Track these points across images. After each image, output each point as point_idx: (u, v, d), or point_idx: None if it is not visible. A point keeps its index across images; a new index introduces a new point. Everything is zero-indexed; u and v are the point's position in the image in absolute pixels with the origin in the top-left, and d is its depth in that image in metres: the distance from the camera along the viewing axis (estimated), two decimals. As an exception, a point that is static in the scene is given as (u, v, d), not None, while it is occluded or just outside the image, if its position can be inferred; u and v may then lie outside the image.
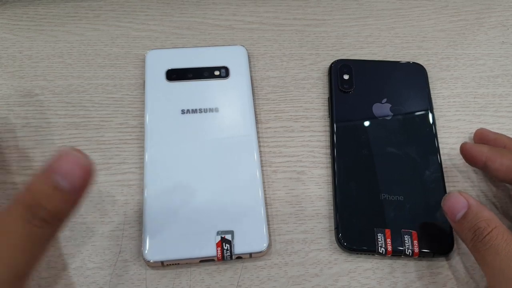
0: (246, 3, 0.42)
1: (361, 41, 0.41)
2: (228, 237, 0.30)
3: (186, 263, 0.30)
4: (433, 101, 0.37)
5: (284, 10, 0.42)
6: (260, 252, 0.30)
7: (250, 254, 0.30)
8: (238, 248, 0.30)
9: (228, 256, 0.30)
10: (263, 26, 0.41)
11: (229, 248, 0.30)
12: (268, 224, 0.32)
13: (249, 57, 0.38)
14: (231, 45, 0.39)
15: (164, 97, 0.35)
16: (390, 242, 0.31)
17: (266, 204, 0.33)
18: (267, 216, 0.32)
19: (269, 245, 0.31)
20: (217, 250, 0.30)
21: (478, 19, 0.43)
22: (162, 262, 0.30)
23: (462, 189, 0.34)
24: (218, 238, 0.30)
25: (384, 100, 0.36)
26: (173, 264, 0.30)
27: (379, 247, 0.30)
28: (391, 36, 0.41)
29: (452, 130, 0.37)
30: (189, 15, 0.41)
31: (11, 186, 0.33)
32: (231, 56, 0.38)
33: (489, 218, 0.26)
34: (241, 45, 0.38)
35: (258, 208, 0.32)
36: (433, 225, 0.32)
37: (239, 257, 0.30)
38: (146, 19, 0.41)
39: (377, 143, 0.35)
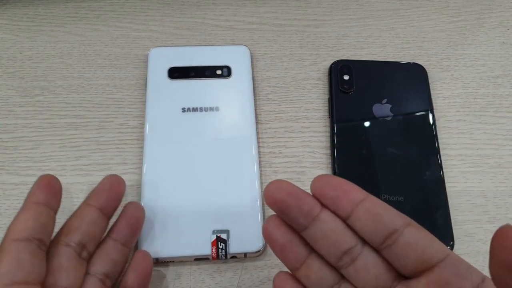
0: (246, 4, 0.42)
1: (361, 42, 0.41)
2: (224, 236, 0.30)
3: (181, 261, 0.30)
4: (433, 101, 0.37)
5: (284, 11, 0.42)
6: (255, 252, 0.30)
7: (245, 254, 0.30)
8: (233, 248, 0.30)
9: (223, 255, 0.30)
10: (263, 27, 0.41)
11: (224, 247, 0.30)
12: (268, 225, 0.32)
13: (251, 57, 0.38)
14: (234, 44, 0.39)
15: (165, 95, 0.35)
16: (390, 243, 0.31)
17: (264, 204, 0.33)
18: (264, 216, 0.32)
19: (265, 246, 0.31)
20: (212, 249, 0.30)
21: (478, 19, 0.43)
22: (157, 259, 0.30)
23: (462, 190, 0.34)
24: (214, 237, 0.30)
25: (384, 100, 0.36)
26: (168, 262, 0.30)
27: (379, 248, 0.30)
28: (391, 37, 0.41)
29: (452, 131, 0.37)
30: (189, 15, 0.41)
31: (11, 186, 0.33)
32: (234, 56, 0.38)
33: None
34: (244, 45, 0.38)
35: (255, 209, 0.32)
36: (433, 225, 0.32)
37: (234, 257, 0.30)
38: (146, 20, 0.41)
39: (377, 144, 0.35)
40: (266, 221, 0.22)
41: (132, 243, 0.27)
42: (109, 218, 0.27)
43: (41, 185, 0.24)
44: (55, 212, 0.24)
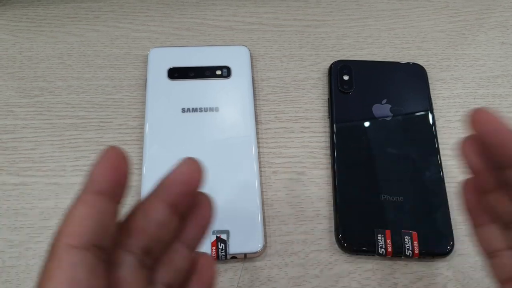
0: (246, 4, 0.42)
1: (361, 42, 0.41)
2: (224, 236, 0.30)
3: None
4: (433, 101, 0.37)
5: (284, 11, 0.42)
6: (255, 252, 0.30)
7: (245, 255, 0.30)
8: (233, 248, 0.30)
9: (223, 256, 0.30)
10: (263, 27, 0.41)
11: (224, 248, 0.30)
12: (267, 225, 0.32)
13: (251, 57, 0.38)
14: (234, 45, 0.39)
15: (165, 95, 0.35)
16: (390, 243, 0.31)
17: (264, 205, 0.33)
18: (264, 217, 0.32)
19: (265, 246, 0.31)
20: (212, 249, 0.30)
21: (478, 19, 0.43)
22: None
23: (462, 189, 0.34)
24: (214, 238, 0.30)
25: (384, 100, 0.36)
26: None
27: (379, 248, 0.30)
28: (391, 37, 0.41)
29: (452, 131, 0.37)
30: (189, 16, 0.41)
31: (11, 187, 0.33)
32: (234, 56, 0.38)
33: None
34: (244, 45, 0.38)
35: (254, 209, 0.32)
36: (433, 226, 0.32)
37: (234, 257, 0.30)
38: (146, 20, 0.41)
39: (377, 144, 0.34)
40: (462, 185, 0.22)
41: (198, 247, 0.22)
42: (181, 218, 0.20)
43: (106, 166, 0.18)
44: (120, 204, 0.18)
